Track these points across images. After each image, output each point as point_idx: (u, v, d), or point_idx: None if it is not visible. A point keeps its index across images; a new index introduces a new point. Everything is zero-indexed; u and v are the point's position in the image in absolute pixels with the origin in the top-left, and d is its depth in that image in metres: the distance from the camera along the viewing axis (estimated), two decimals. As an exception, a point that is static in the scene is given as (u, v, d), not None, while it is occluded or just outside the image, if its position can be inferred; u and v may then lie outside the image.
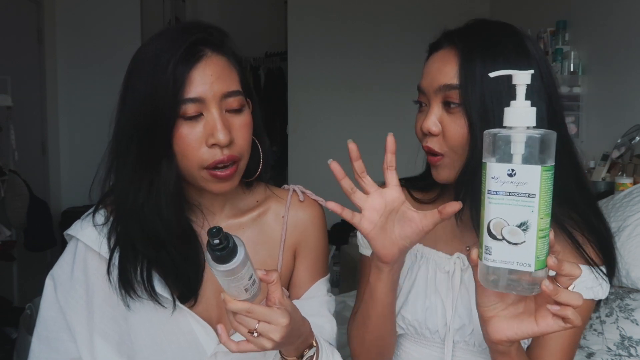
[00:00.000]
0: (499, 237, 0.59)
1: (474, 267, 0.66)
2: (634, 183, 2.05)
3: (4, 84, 2.90)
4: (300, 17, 4.13)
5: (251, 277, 0.70)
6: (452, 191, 0.92)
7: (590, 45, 2.73)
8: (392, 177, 0.77)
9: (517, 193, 0.57)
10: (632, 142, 2.24)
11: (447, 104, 0.81)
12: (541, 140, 0.57)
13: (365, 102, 4.04)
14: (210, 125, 0.78)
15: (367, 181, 0.77)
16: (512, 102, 0.60)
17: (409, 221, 0.76)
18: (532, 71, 0.61)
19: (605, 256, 0.84)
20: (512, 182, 0.58)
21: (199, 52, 0.78)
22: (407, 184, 0.98)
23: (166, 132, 0.77)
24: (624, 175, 2.15)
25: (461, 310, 0.88)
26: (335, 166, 0.76)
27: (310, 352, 0.80)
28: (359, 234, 0.96)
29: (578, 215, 0.83)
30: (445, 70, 0.81)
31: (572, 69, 2.77)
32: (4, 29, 3.21)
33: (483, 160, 0.61)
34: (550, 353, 0.83)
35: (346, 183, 0.76)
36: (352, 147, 0.75)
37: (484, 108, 0.78)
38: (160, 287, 0.84)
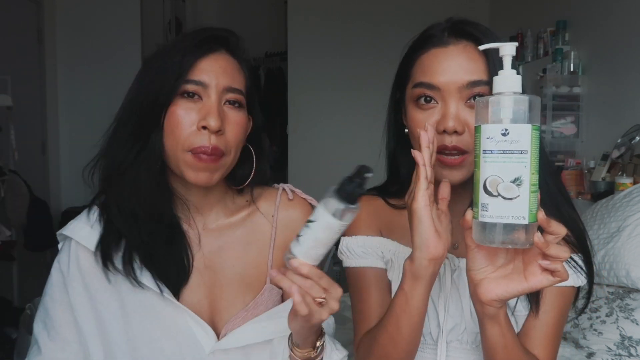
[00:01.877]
0: (495, 193, 0.64)
1: (468, 229, 0.69)
2: (634, 183, 2.05)
3: (4, 84, 2.91)
4: (300, 17, 4.14)
5: None
6: None
7: (590, 45, 2.73)
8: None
9: (511, 151, 0.63)
10: (632, 142, 2.25)
11: (474, 99, 0.80)
12: (529, 102, 0.64)
13: (365, 102, 4.05)
14: (206, 109, 0.81)
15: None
16: (500, 72, 0.67)
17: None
18: (516, 43, 0.68)
19: (580, 245, 0.85)
20: (505, 140, 0.63)
21: (214, 45, 0.83)
22: (380, 192, 0.97)
23: (163, 106, 0.81)
24: (624, 175, 2.15)
25: (453, 310, 0.88)
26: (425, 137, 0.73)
27: (321, 341, 0.81)
28: (342, 247, 0.95)
29: (551, 204, 0.82)
30: (471, 66, 0.81)
31: (572, 69, 2.78)
32: (4, 29, 3.21)
33: (476, 125, 0.66)
34: (535, 344, 0.84)
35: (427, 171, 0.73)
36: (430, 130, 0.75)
37: None
38: (145, 275, 0.85)
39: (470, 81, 0.80)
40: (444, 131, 0.80)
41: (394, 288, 0.91)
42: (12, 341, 2.45)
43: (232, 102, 0.84)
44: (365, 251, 0.94)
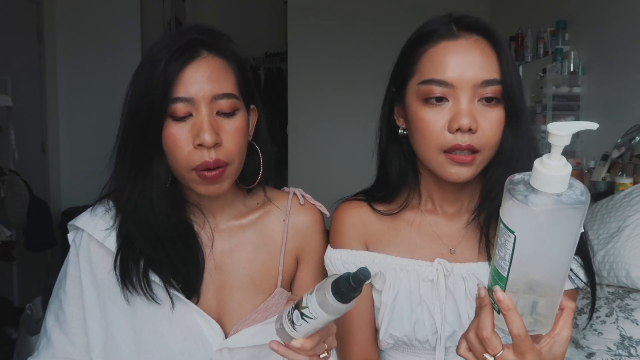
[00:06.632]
0: None
1: None
2: (634, 183, 2.05)
3: (4, 84, 2.90)
4: (300, 17, 4.14)
5: None
6: (418, 199, 0.91)
7: (590, 45, 2.73)
8: None
9: None
10: (632, 142, 2.24)
11: (486, 100, 0.78)
12: None
13: (365, 102, 4.05)
14: (198, 125, 0.78)
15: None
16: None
17: None
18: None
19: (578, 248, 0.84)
20: None
21: (193, 52, 0.79)
22: (367, 198, 0.94)
23: (156, 131, 0.79)
24: (624, 175, 2.15)
25: (450, 317, 0.85)
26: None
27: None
28: (326, 259, 0.93)
29: None
30: (485, 63, 0.78)
31: (572, 69, 2.77)
32: (4, 29, 3.20)
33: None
34: None
35: None
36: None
37: (521, 101, 0.79)
38: (157, 286, 0.85)
39: (484, 80, 0.77)
40: (458, 129, 0.77)
41: (385, 296, 0.89)
42: (12, 341, 2.45)
43: (224, 112, 0.81)
44: (347, 268, 0.90)
